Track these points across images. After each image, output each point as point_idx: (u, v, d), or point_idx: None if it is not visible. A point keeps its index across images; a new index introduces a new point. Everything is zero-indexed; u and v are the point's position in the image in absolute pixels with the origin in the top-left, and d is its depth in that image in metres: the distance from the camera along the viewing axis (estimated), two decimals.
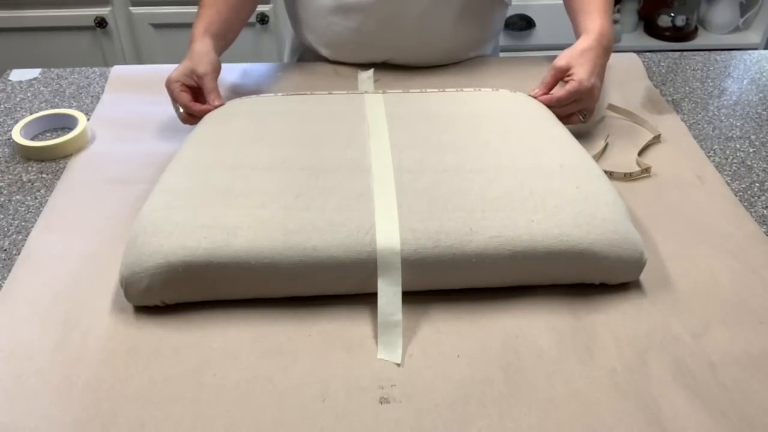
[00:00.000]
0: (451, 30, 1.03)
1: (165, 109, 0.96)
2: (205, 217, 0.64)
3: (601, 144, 0.89)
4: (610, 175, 0.82)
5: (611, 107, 0.97)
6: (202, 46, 0.91)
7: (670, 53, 1.16)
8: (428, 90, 0.88)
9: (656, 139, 0.90)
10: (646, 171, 0.84)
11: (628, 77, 1.06)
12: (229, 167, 0.71)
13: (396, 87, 1.00)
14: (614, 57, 1.12)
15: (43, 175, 0.84)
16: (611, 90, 1.02)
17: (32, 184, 0.83)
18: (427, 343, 0.61)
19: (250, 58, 2.01)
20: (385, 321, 0.62)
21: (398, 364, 0.59)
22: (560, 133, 0.79)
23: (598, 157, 0.87)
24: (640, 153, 0.88)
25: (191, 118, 0.87)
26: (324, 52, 1.08)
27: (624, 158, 0.87)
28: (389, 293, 0.62)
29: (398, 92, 0.87)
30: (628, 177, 0.83)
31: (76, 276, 0.68)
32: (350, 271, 0.63)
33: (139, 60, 2.02)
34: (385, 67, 1.07)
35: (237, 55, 1.98)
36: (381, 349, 0.61)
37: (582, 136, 0.91)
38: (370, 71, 1.05)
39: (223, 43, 0.97)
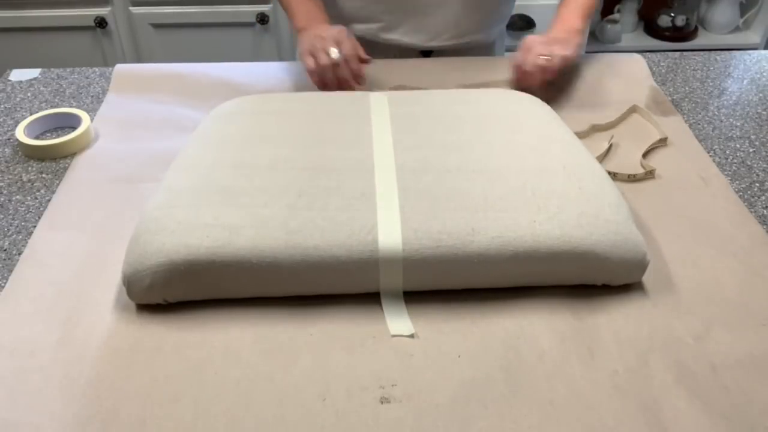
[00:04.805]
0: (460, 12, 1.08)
1: (168, 108, 0.96)
2: (207, 216, 0.64)
3: (605, 145, 0.89)
4: (613, 176, 0.83)
5: (595, 127, 0.94)
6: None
7: (670, 53, 1.16)
8: (432, 89, 0.88)
9: (662, 142, 0.90)
10: (650, 173, 0.84)
11: (632, 78, 1.06)
12: (231, 166, 0.71)
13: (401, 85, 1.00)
14: (618, 58, 1.12)
15: (43, 175, 0.84)
16: (616, 91, 1.02)
17: (32, 184, 0.83)
18: (428, 342, 0.61)
19: (250, 58, 2.02)
20: (388, 301, 0.63)
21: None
22: (564, 133, 0.79)
23: (601, 158, 0.87)
24: (645, 155, 0.88)
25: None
26: None
27: (628, 159, 0.87)
28: (391, 293, 0.62)
29: (402, 91, 0.87)
30: (632, 178, 0.83)
31: (79, 274, 0.68)
32: (352, 270, 0.63)
33: (139, 60, 2.02)
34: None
35: (237, 55, 2.01)
36: (391, 327, 0.61)
37: (586, 136, 0.91)
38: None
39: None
